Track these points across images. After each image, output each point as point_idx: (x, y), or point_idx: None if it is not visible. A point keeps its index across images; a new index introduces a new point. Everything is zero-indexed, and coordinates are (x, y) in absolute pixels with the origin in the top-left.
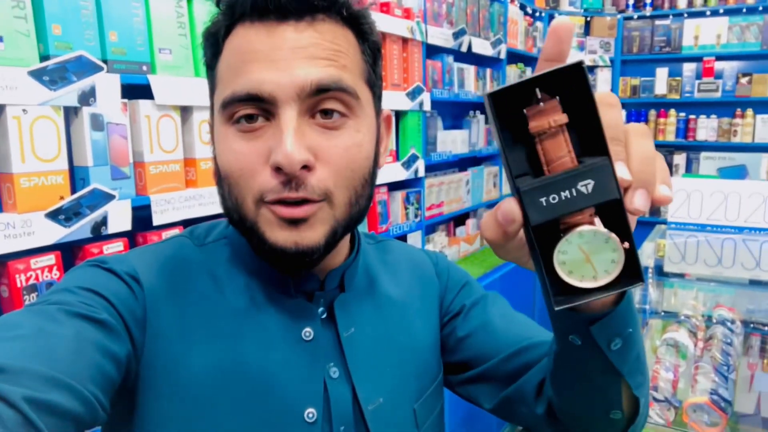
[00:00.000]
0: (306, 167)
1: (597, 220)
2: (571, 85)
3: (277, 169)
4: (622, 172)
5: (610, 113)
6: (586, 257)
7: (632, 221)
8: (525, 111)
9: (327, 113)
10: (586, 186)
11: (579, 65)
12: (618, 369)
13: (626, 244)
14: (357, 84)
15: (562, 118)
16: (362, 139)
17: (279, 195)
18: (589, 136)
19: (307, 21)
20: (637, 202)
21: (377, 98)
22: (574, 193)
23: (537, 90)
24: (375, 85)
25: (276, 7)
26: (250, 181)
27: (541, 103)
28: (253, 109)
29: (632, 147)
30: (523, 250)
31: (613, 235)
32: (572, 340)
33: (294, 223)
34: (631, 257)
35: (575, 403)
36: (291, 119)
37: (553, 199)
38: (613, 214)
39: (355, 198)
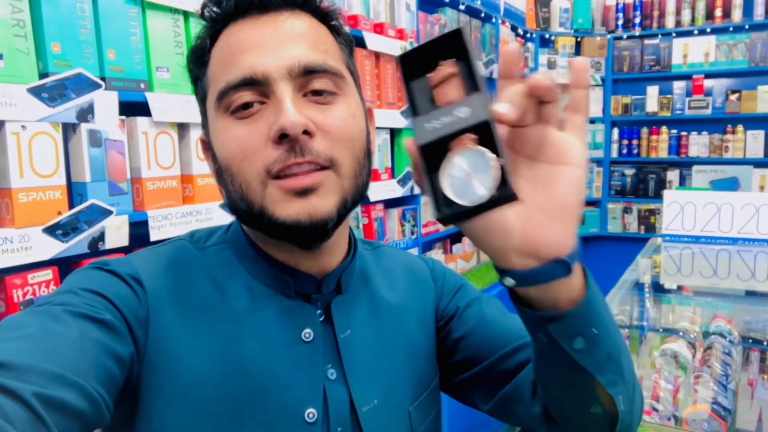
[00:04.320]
0: (307, 133)
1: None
2: (460, 47)
3: (281, 138)
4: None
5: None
6: (468, 176)
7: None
8: (429, 75)
9: (318, 93)
10: (463, 111)
11: (458, 31)
12: (584, 367)
13: (501, 160)
14: (340, 67)
15: (449, 70)
16: (354, 113)
17: (285, 162)
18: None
19: (286, 14)
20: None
21: (359, 87)
22: (453, 118)
23: (437, 53)
24: (354, 74)
25: (259, 0)
26: (254, 161)
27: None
28: (249, 95)
29: None
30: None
31: (489, 152)
32: (540, 337)
33: (304, 193)
34: (504, 174)
35: (556, 396)
36: (287, 92)
37: (437, 124)
38: (489, 139)
39: (359, 169)
